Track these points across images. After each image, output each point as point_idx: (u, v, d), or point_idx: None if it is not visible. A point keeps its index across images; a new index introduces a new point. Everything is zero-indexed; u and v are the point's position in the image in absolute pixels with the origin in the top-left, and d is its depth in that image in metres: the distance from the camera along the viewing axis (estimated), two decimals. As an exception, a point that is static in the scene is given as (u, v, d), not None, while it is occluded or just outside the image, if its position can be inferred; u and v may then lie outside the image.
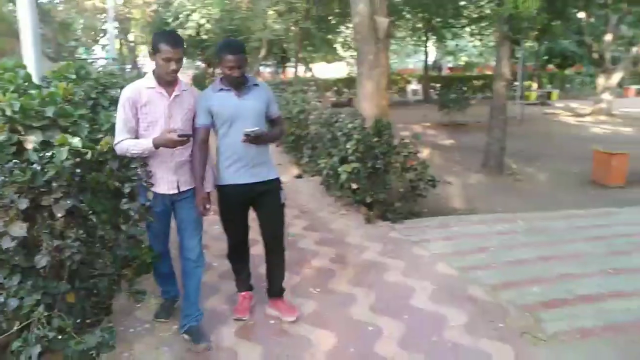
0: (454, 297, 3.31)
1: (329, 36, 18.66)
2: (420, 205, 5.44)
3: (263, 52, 15.24)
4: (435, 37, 23.17)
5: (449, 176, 7.20)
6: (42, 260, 2.00)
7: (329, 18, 16.14)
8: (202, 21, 13.18)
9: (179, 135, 2.51)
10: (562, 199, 6.32)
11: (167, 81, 2.63)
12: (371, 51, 7.50)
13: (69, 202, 2.12)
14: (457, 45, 28.13)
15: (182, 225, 2.82)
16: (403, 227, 4.78)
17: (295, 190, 6.03)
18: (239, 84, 2.79)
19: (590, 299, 3.29)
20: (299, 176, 6.85)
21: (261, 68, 33.40)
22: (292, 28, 13.58)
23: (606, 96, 16.28)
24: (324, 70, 27.05)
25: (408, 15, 17.81)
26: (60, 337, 1.96)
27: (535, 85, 23.95)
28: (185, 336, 2.77)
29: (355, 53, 22.51)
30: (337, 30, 18.85)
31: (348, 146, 4.90)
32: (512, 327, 2.94)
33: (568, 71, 27.07)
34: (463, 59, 34.16)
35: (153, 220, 2.65)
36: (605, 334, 2.88)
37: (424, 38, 23.31)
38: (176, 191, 2.74)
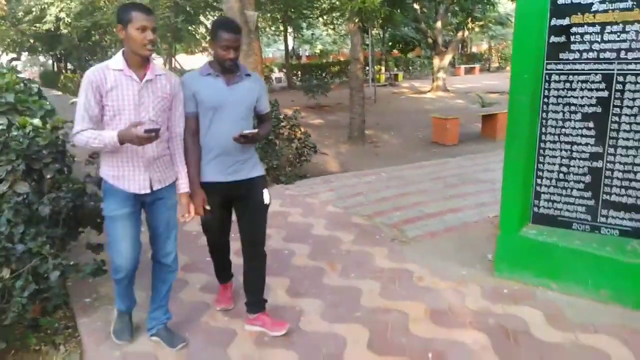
0: (342, 225, 4.41)
1: (192, 27, 18.90)
2: (305, 170, 6.50)
3: (127, 45, 14.94)
4: (292, 27, 24.57)
5: (323, 148, 8.34)
6: (45, 209, 2.59)
7: (193, 10, 16.45)
8: (62, 15, 12.63)
9: (146, 131, 2.15)
10: (412, 156, 7.85)
11: (141, 60, 2.28)
12: (244, 42, 8.33)
13: (57, 165, 2.71)
14: (312, 34, 29.87)
15: (156, 228, 2.52)
16: (295, 186, 5.79)
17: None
18: (231, 69, 2.49)
19: (435, 215, 4.62)
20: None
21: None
22: (159, 21, 13.68)
23: (441, 75, 19.02)
24: (186, 61, 26.94)
25: (267, 8, 18.79)
26: (70, 263, 2.58)
27: (383, 69, 26.69)
28: (154, 338, 2.66)
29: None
30: (200, 21, 19.15)
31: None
32: (385, 238, 4.11)
33: (410, 55, 30.43)
34: (319, 47, 36.34)
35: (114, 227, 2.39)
36: (446, 234, 4.18)
37: (281, 28, 24.59)
38: (148, 191, 2.39)
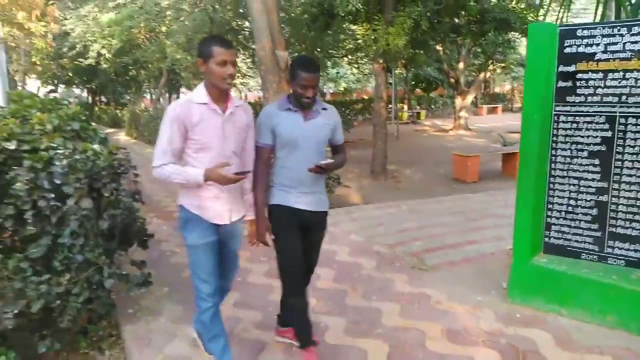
0: (364, 253, 4.66)
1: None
2: (328, 202, 6.79)
3: (163, 81, 15.87)
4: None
5: (346, 182, 8.66)
6: (104, 224, 2.94)
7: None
8: (103, 51, 13.52)
9: (237, 174, 2.24)
10: (433, 191, 8.08)
11: (221, 93, 2.32)
12: (275, 80, 8.86)
13: (114, 185, 3.08)
14: (337, 73, 30.70)
15: (225, 256, 2.60)
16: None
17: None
18: (309, 105, 2.53)
19: (454, 246, 4.84)
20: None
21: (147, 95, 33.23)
22: (187, 58, 14.47)
23: (463, 114, 19.36)
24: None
25: (295, 48, 19.57)
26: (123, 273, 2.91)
27: (406, 107, 27.17)
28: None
29: (243, 80, 23.47)
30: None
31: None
32: (405, 265, 4.35)
33: (432, 94, 30.96)
34: (343, 85, 37.21)
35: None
36: (464, 263, 4.39)
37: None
38: (227, 222, 2.46)
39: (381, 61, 9.47)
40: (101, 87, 25.72)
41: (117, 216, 3.02)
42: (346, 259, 4.52)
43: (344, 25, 13.57)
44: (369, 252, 4.69)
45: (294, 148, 2.53)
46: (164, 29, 14.05)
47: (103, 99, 29.59)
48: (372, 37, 9.16)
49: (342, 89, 37.54)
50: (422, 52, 14.96)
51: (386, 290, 3.78)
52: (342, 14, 9.30)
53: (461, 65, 19.02)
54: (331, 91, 39.74)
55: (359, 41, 19.18)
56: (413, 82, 28.35)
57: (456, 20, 12.14)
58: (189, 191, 2.39)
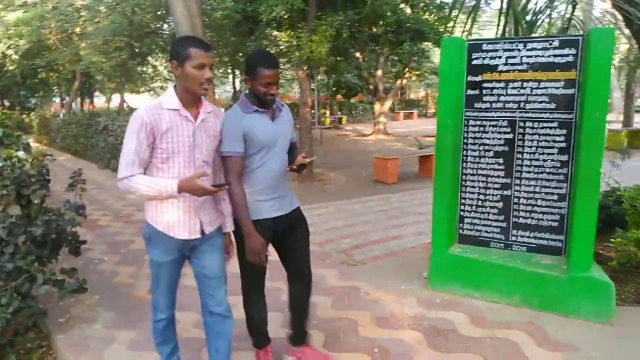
0: (296, 252, 4.85)
1: (142, 68, 19.16)
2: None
3: (77, 84, 15.03)
4: (239, 71, 25.24)
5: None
6: (38, 230, 2.88)
7: (144, 51, 16.79)
8: (9, 52, 12.56)
9: (215, 186, 2.10)
10: (357, 193, 8.45)
11: (194, 99, 2.15)
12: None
13: (43, 191, 3.03)
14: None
15: (208, 273, 2.33)
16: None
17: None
18: (272, 103, 2.42)
19: (379, 242, 5.17)
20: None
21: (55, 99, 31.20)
22: (103, 61, 13.88)
23: (382, 119, 20.18)
24: (132, 100, 26.92)
25: (216, 52, 19.42)
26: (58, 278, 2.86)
27: (328, 113, 27.80)
28: None
29: (163, 84, 22.79)
30: (149, 62, 19.48)
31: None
32: (335, 261, 4.59)
33: (353, 100, 31.90)
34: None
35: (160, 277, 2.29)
36: (388, 257, 4.71)
37: (229, 71, 25.25)
38: (199, 236, 2.25)
39: (305, 68, 9.74)
40: (5, 90, 23.78)
41: (52, 222, 2.96)
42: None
43: (267, 32, 13.70)
44: (300, 251, 4.88)
45: (268, 151, 2.40)
46: (78, 30, 13.36)
47: (6, 102, 27.39)
48: (296, 45, 9.40)
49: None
50: (343, 59, 15.47)
51: (319, 285, 3.98)
52: (266, 21, 9.44)
53: (379, 72, 19.83)
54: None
55: (281, 47, 19.47)
56: (334, 88, 29.06)
57: (374, 30, 12.73)
58: (157, 204, 2.18)
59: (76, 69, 14.02)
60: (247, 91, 2.46)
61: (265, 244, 2.42)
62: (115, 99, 25.34)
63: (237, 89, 27.10)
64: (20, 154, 3.26)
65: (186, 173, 2.13)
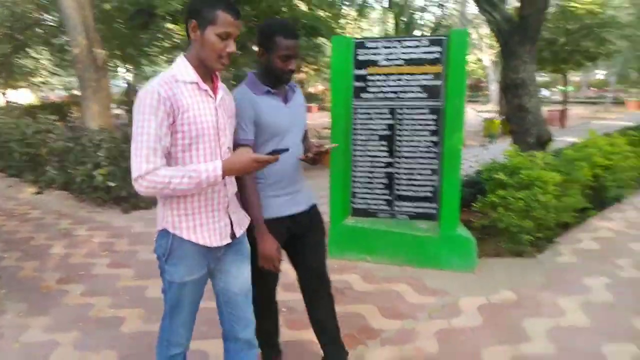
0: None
1: (25, 61, 17.70)
2: (163, 197, 7.00)
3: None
4: (132, 64, 24.17)
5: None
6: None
7: (27, 43, 15.57)
8: None
9: (274, 152, 1.66)
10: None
11: (208, 72, 1.73)
12: (93, 78, 8.66)
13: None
14: (154, 71, 29.64)
15: (233, 291, 1.90)
16: (154, 211, 6.26)
17: (45, 204, 6.73)
18: (288, 82, 2.11)
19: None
20: (39, 193, 7.35)
21: None
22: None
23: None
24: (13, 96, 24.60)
25: (107, 45, 18.51)
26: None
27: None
28: None
29: (47, 80, 21.36)
30: (30, 56, 18.01)
31: (100, 154, 6.09)
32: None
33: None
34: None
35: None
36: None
37: (119, 66, 24.08)
38: (229, 240, 1.82)
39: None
40: None
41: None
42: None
43: (161, 24, 13.45)
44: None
45: (281, 139, 2.07)
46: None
47: None
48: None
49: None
50: (242, 53, 15.62)
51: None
52: (162, 14, 9.37)
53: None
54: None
55: (176, 40, 19.06)
56: (233, 82, 28.95)
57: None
58: (180, 204, 1.71)
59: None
60: (254, 71, 2.14)
61: (280, 246, 2.08)
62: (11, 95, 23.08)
63: (130, 85, 25.96)
64: None
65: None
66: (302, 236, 2.26)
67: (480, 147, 7.02)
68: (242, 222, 1.91)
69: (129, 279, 4.00)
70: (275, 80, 2.06)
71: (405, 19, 5.18)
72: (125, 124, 22.85)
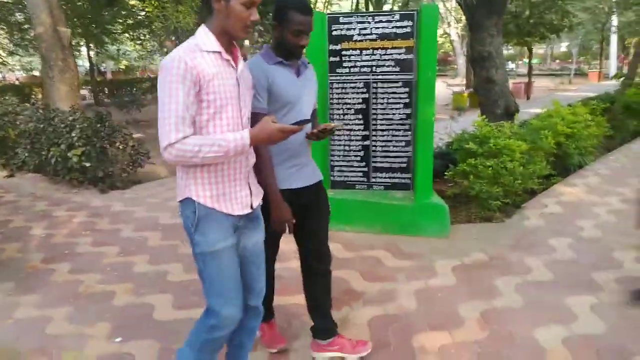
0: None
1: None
2: (138, 177, 7.00)
3: None
4: (94, 43, 23.46)
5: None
6: None
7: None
8: None
9: (298, 123, 1.75)
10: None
11: (230, 42, 1.75)
12: (59, 57, 8.44)
13: None
14: (118, 50, 28.80)
15: (250, 259, 1.95)
16: (132, 191, 6.31)
17: (18, 186, 6.64)
18: (298, 56, 2.16)
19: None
20: (10, 176, 7.23)
21: None
22: None
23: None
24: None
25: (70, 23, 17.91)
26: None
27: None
28: None
29: (4, 60, 20.57)
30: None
31: (73, 134, 6.03)
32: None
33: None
34: (124, 63, 34.94)
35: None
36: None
37: (82, 45, 23.33)
38: (249, 210, 1.86)
39: (173, 38, 9.72)
40: None
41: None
42: (171, 221, 4.98)
43: (132, 2, 13.11)
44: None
45: (290, 109, 2.13)
46: None
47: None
48: (162, 15, 9.33)
49: (122, 67, 35.24)
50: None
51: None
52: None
53: (247, 42, 19.99)
54: (111, 69, 36.97)
55: (140, 17, 18.59)
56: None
57: None
58: (204, 174, 1.74)
59: None
60: (268, 44, 2.25)
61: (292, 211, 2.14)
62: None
63: (93, 63, 25.22)
64: None
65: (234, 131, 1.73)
66: (306, 212, 2.27)
67: (450, 120, 7.23)
68: (259, 193, 1.96)
69: (115, 256, 4.07)
70: (288, 53, 2.12)
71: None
72: (91, 104, 22.37)
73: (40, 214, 5.36)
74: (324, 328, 2.49)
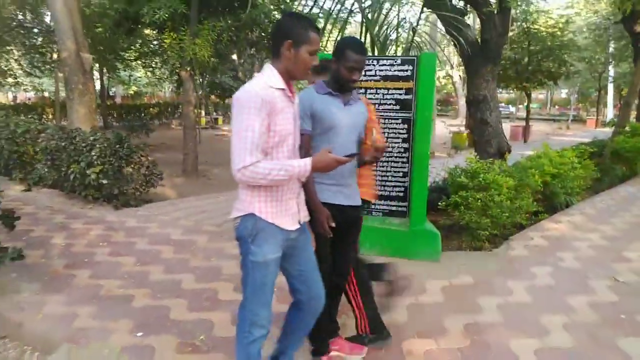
0: (196, 232, 5.54)
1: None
2: (150, 197, 7.39)
3: None
4: (106, 68, 24.24)
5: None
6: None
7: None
8: None
9: (349, 156, 2.05)
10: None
11: (289, 81, 2.05)
12: (80, 81, 8.96)
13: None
14: (130, 75, 29.67)
15: (305, 267, 2.22)
16: (144, 209, 6.68)
17: (36, 200, 7.03)
18: (349, 89, 2.46)
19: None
20: (27, 190, 7.60)
21: None
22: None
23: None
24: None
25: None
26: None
27: (204, 113, 27.95)
28: None
29: (19, 80, 21.21)
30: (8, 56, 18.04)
31: (93, 153, 6.45)
32: (233, 237, 5.39)
33: (228, 101, 32.31)
34: (133, 88, 35.85)
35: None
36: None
37: (96, 69, 24.14)
38: (298, 226, 2.14)
39: (189, 69, 10.27)
40: None
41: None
42: (181, 237, 5.35)
43: (146, 32, 13.78)
44: (200, 231, 5.59)
45: (335, 135, 2.40)
46: None
47: None
48: (179, 46, 9.90)
49: (132, 92, 36.14)
50: (219, 61, 16.11)
51: (221, 253, 4.77)
52: (148, 22, 9.76)
53: (256, 74, 20.69)
54: (121, 94, 37.92)
55: (153, 45, 19.35)
56: (209, 89, 29.26)
57: (252, 35, 13.60)
58: (267, 193, 2.02)
59: None
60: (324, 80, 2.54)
61: (336, 228, 2.38)
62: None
63: (105, 87, 25.97)
64: None
65: (292, 159, 2.04)
66: (342, 229, 2.48)
67: (447, 157, 7.67)
68: (305, 210, 2.24)
69: (131, 266, 4.42)
70: (340, 87, 2.45)
71: (380, 39, 5.78)
72: (101, 126, 22.96)
73: (59, 225, 5.72)
74: (328, 328, 2.80)
